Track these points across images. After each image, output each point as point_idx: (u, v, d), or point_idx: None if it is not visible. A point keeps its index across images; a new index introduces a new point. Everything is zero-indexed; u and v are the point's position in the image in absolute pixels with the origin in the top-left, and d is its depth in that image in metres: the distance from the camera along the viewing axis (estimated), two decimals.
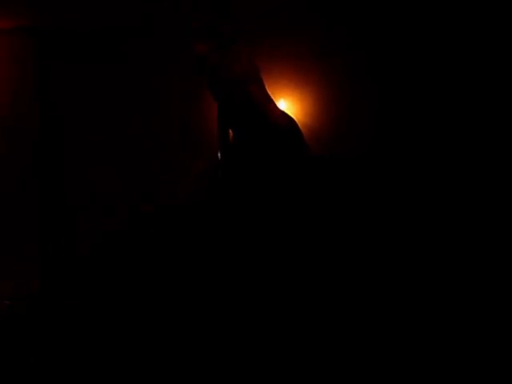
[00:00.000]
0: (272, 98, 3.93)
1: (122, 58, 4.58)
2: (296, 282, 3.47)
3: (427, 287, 3.50)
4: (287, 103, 4.79)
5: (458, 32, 4.41)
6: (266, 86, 3.89)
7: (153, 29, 4.56)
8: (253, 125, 3.75)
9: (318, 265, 3.58)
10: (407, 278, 3.57)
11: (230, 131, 3.88)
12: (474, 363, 2.74)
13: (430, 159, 4.42)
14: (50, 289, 3.31)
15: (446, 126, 4.44)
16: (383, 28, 4.61)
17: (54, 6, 4.44)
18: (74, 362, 2.89)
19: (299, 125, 4.37)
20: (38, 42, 4.50)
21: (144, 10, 4.55)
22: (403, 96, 4.58)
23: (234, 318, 3.07)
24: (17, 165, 4.27)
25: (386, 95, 4.59)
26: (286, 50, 4.76)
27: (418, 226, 4.06)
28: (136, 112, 4.59)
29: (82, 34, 4.58)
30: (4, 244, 3.74)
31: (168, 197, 4.32)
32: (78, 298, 3.35)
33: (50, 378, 2.80)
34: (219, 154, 4.03)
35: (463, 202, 4.22)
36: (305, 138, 4.33)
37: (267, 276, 3.35)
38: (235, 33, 3.72)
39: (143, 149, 4.47)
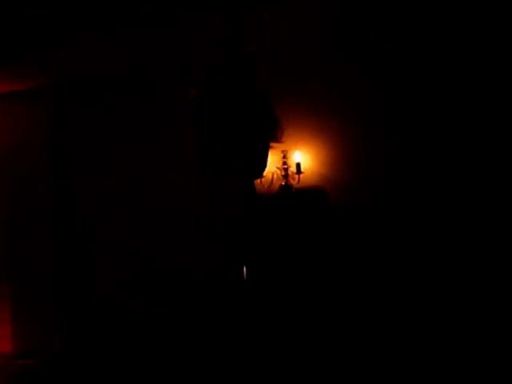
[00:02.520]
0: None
1: (127, 106, 4.93)
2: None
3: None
4: (302, 154, 4.86)
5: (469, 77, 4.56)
6: (284, 137, 4.40)
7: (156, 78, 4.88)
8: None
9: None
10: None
11: None
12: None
13: (442, 201, 4.53)
14: (71, 346, 3.18)
15: (460, 170, 4.54)
16: (392, 85, 4.79)
17: (66, 66, 4.58)
18: None
19: (312, 173, 4.53)
20: (52, 101, 4.63)
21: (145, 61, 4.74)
22: (417, 148, 4.69)
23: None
24: (31, 219, 4.23)
25: (399, 145, 4.69)
26: (304, 104, 4.89)
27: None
28: (144, 149, 4.87)
29: (90, 85, 4.74)
30: (22, 304, 3.64)
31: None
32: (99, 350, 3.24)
33: None
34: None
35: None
36: (317, 185, 4.45)
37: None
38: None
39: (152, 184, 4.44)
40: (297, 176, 5.00)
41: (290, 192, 4.98)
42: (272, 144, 3.90)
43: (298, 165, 5.01)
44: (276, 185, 5.06)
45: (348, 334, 3.48)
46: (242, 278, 3.43)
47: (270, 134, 3.84)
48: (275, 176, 5.05)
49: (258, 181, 4.58)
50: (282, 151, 5.03)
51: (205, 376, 2.91)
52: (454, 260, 4.14)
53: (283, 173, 5.05)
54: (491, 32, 4.48)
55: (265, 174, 4.56)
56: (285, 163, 5.06)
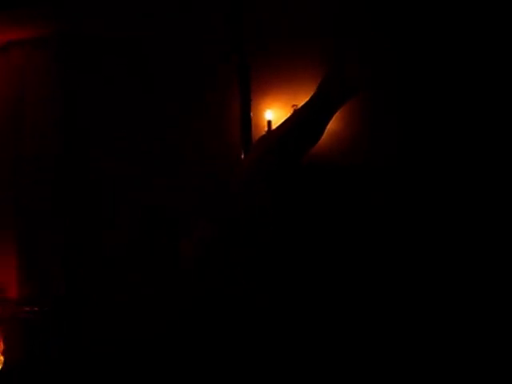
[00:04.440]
0: None
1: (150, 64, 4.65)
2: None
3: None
4: None
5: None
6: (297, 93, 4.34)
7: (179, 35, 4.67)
8: None
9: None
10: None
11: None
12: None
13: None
14: (76, 291, 3.22)
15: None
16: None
17: (81, 14, 4.47)
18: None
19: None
20: (66, 49, 4.53)
21: (168, 18, 4.60)
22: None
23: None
24: (45, 169, 4.19)
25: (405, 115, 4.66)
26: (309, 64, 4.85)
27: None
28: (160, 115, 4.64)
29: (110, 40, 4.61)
30: (31, 248, 3.66)
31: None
32: (103, 300, 3.26)
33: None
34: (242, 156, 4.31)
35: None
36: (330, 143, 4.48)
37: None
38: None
39: (166, 147, 4.44)
40: None
41: None
42: None
43: None
44: None
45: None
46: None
47: None
48: None
49: None
50: (293, 106, 4.96)
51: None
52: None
53: None
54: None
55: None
56: None
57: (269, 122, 4.68)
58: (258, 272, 2.97)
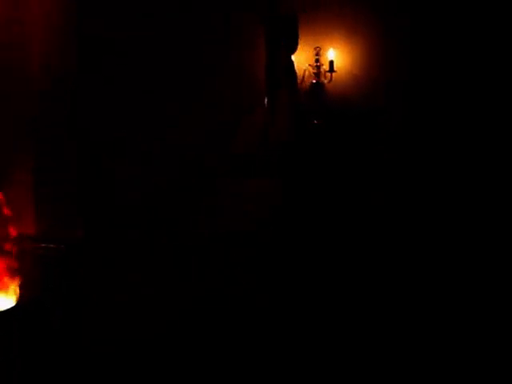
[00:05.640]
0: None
1: None
2: None
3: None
4: (336, 52, 4.60)
5: None
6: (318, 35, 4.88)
7: None
8: None
9: None
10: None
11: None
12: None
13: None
14: (93, 233, 3.23)
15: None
16: None
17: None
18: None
19: (346, 73, 4.42)
20: None
21: None
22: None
23: None
24: (59, 112, 4.01)
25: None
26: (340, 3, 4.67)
27: None
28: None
29: None
30: (48, 185, 3.64)
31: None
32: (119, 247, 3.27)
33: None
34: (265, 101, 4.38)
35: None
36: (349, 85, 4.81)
37: None
38: None
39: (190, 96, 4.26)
40: (329, 74, 4.80)
41: (321, 90, 4.80)
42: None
43: (331, 63, 4.82)
44: (307, 82, 4.87)
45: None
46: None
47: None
48: (307, 73, 4.86)
49: None
50: (315, 48, 4.79)
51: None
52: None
53: (315, 70, 4.84)
54: None
55: (296, 70, 4.48)
56: (317, 61, 4.87)
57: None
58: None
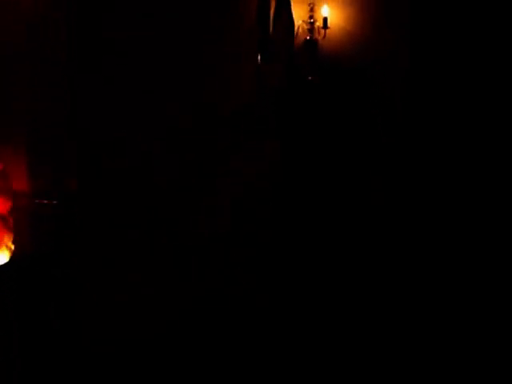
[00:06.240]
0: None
1: None
2: None
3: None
4: (330, 9, 4.87)
5: None
6: None
7: None
8: None
9: None
10: None
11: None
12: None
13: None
14: (87, 187, 3.18)
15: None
16: None
17: None
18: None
19: (339, 30, 4.33)
20: None
21: None
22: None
23: None
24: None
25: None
26: None
27: None
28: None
29: None
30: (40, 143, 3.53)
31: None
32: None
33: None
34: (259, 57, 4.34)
35: None
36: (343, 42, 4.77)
37: None
38: None
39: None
40: (323, 31, 4.81)
41: (314, 47, 4.81)
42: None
43: (325, 19, 4.81)
44: (301, 39, 4.87)
45: None
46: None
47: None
48: (300, 30, 4.85)
49: None
50: (309, 4, 4.77)
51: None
52: None
53: (309, 27, 4.83)
54: None
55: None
56: (311, 17, 4.87)
57: None
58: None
